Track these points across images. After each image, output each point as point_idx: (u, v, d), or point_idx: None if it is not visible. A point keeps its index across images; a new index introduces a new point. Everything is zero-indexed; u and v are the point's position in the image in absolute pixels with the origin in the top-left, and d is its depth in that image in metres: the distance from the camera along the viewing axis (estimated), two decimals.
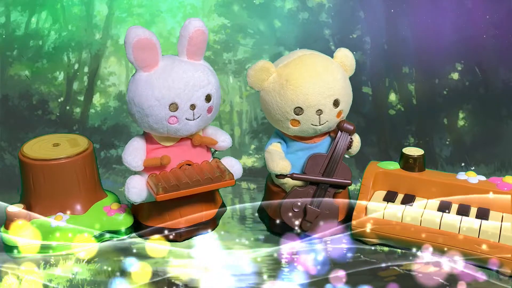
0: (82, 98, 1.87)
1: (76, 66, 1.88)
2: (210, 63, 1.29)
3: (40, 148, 1.27)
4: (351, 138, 1.26)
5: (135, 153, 1.23)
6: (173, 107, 1.19)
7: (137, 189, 1.23)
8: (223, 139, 1.31)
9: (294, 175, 1.24)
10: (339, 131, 1.25)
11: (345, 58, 1.27)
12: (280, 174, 1.24)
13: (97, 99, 1.88)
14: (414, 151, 1.28)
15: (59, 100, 1.85)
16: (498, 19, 1.78)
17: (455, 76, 1.82)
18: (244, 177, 1.44)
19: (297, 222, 1.24)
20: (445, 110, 1.81)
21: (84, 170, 1.27)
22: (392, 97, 1.85)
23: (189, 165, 1.27)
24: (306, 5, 1.86)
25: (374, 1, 1.84)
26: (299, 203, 1.24)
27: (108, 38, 1.88)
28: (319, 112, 1.21)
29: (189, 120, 1.21)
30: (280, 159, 1.24)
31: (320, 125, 1.22)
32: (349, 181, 1.25)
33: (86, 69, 1.88)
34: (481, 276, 1.14)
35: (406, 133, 1.81)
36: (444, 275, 1.14)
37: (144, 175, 1.25)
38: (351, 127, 1.25)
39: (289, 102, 1.20)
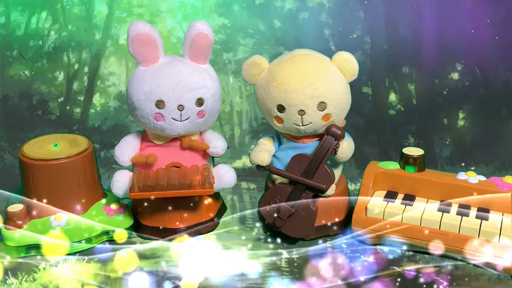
0: (82, 98, 1.87)
1: (76, 66, 1.88)
2: (210, 63, 1.28)
3: (40, 148, 1.27)
4: (337, 143, 1.23)
5: (124, 148, 1.26)
6: (160, 104, 1.19)
7: (120, 183, 1.25)
8: (214, 145, 1.28)
9: (272, 168, 1.25)
10: (326, 134, 1.23)
11: (343, 62, 1.21)
12: (258, 165, 1.26)
13: (97, 99, 1.88)
14: (414, 151, 1.28)
15: (59, 100, 1.85)
16: (498, 19, 1.78)
17: (455, 76, 1.82)
18: (244, 177, 1.44)
19: (272, 218, 1.25)
20: (445, 110, 1.81)
21: (84, 170, 1.27)
22: (392, 97, 1.85)
23: (177, 167, 1.27)
24: (306, 5, 1.86)
25: (374, 1, 1.84)
26: (277, 199, 1.24)
27: (108, 38, 1.88)
28: (301, 112, 1.19)
29: (175, 120, 1.21)
30: (261, 151, 1.25)
31: (303, 125, 1.21)
32: (323, 186, 1.22)
33: (86, 69, 1.88)
34: (481, 276, 1.14)
35: (406, 133, 1.81)
36: (445, 275, 1.14)
37: (132, 171, 1.27)
38: (339, 132, 1.21)
39: (272, 99, 1.20)
